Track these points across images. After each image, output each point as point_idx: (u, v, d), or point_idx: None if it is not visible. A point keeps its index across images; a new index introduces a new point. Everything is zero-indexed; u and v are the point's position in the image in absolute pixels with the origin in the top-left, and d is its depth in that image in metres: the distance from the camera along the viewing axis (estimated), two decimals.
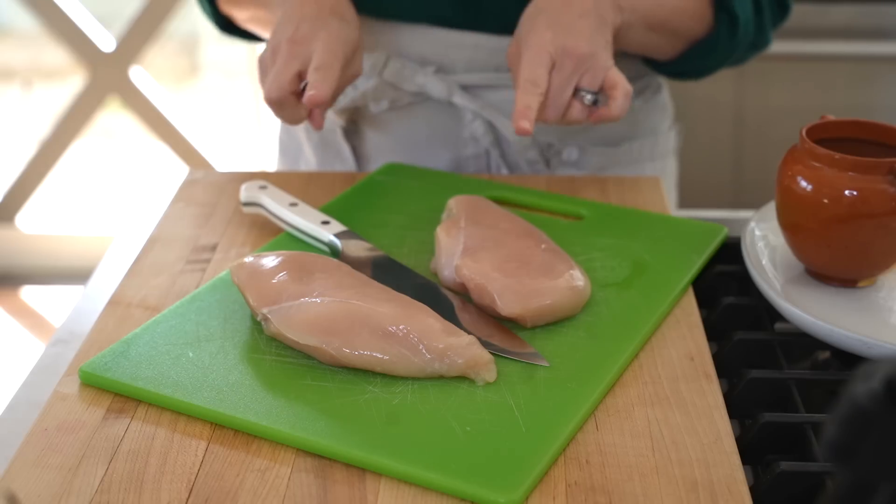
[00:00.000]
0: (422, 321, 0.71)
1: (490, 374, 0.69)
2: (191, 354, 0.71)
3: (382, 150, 1.11)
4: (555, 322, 0.76)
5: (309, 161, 1.16)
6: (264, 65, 0.96)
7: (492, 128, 1.08)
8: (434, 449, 0.63)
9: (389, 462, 0.62)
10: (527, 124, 0.87)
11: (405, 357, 0.69)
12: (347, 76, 0.96)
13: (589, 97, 0.91)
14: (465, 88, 1.07)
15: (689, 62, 1.04)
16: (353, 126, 1.12)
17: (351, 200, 0.95)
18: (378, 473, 0.62)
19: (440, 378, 0.69)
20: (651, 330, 0.76)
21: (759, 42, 1.06)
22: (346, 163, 1.12)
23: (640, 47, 1.02)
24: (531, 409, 0.66)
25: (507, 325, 0.76)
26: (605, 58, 0.91)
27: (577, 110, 0.91)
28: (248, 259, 0.78)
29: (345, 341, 0.69)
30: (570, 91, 0.90)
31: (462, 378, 0.69)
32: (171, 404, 0.68)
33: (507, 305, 0.75)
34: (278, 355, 0.71)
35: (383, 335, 0.70)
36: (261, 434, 0.65)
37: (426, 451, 0.63)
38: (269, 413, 0.66)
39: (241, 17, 1.10)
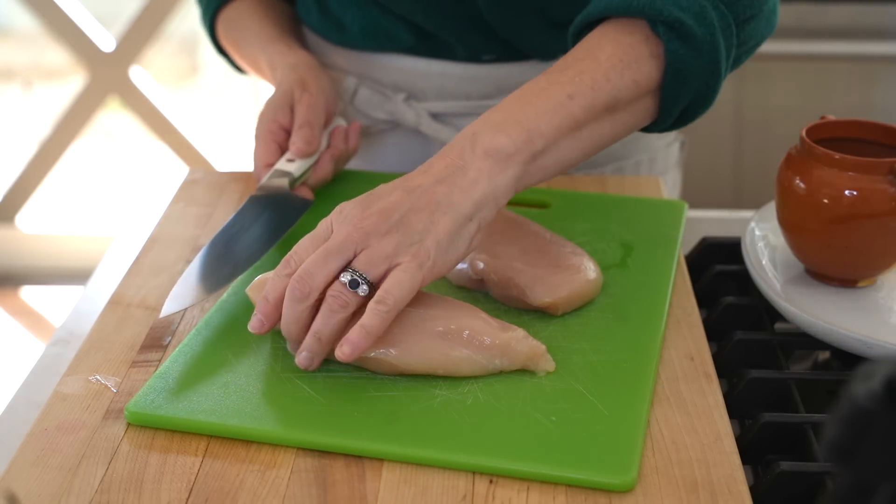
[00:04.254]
0: (472, 320, 0.71)
1: (549, 363, 0.70)
2: (240, 381, 0.69)
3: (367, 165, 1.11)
4: (579, 307, 0.78)
5: None
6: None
7: None
8: (533, 442, 0.64)
9: (499, 463, 0.62)
10: None
11: (468, 357, 0.69)
12: (345, 154, 0.97)
13: None
14: (436, 116, 1.06)
15: (672, 105, 0.80)
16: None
17: (317, 210, 0.93)
18: (490, 474, 0.63)
19: (499, 374, 0.70)
20: (667, 305, 0.79)
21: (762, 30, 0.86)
22: None
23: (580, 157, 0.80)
24: (602, 393, 0.68)
25: (533, 315, 0.77)
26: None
27: None
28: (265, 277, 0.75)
29: (404, 348, 0.69)
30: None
31: (519, 372, 0.70)
32: (242, 434, 0.65)
33: (537, 296, 0.76)
34: (328, 371, 0.70)
35: (440, 337, 0.70)
36: (355, 452, 0.64)
37: (526, 445, 0.63)
38: (354, 431, 0.65)
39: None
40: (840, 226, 0.78)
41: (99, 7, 2.69)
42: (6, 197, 2.78)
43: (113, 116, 2.84)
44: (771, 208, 0.88)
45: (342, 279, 0.68)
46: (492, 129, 0.73)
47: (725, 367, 0.77)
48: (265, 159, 0.93)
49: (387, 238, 0.69)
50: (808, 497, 0.63)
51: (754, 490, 0.64)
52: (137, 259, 0.88)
